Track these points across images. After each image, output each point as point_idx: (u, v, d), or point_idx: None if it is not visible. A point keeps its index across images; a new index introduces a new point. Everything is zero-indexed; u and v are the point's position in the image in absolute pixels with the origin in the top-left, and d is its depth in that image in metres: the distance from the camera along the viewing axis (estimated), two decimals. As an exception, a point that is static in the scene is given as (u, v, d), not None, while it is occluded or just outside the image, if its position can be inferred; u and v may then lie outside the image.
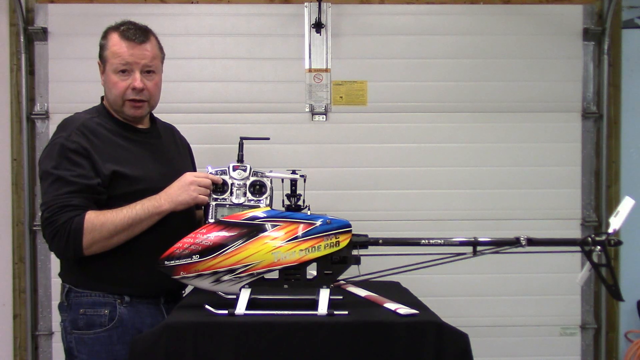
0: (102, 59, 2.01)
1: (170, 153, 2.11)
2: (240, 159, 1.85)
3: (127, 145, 1.97)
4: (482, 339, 3.09)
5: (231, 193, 1.82)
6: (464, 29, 3.26)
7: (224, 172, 1.80)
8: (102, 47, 2.00)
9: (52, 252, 2.01)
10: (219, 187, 1.82)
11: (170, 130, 2.23)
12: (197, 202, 1.83)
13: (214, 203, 1.82)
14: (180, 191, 1.83)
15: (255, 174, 1.80)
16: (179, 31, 3.16)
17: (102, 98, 2.07)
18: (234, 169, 1.78)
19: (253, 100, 3.21)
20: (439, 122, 3.25)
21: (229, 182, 1.80)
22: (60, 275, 2.02)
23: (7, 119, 3.21)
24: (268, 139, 1.76)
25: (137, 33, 1.97)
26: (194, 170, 2.21)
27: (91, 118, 1.97)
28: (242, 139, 1.86)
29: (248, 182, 1.83)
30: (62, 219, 1.79)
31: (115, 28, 1.99)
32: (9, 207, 3.22)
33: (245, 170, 1.78)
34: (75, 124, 1.92)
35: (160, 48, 2.06)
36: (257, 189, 1.83)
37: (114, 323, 1.90)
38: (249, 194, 1.82)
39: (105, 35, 2.00)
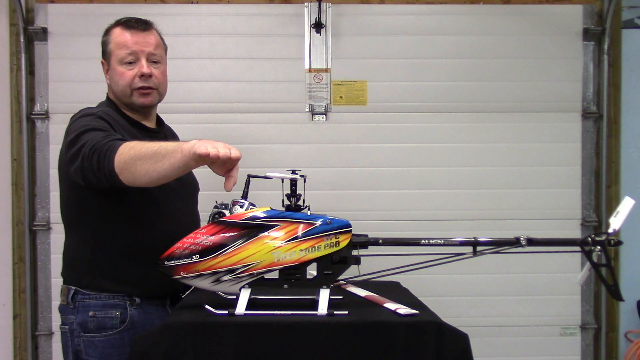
0: (106, 55, 1.99)
1: None
2: (244, 196, 1.82)
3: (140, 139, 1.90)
4: (482, 339, 3.09)
5: None
6: (464, 29, 3.26)
7: (226, 207, 1.78)
8: (105, 44, 1.99)
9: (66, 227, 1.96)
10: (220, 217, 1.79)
11: (173, 137, 2.19)
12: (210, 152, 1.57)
13: None
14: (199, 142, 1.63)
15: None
16: (179, 31, 3.16)
17: (107, 95, 2.04)
18: (233, 204, 1.77)
19: (253, 100, 3.21)
20: (439, 122, 3.25)
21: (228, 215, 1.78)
22: (63, 276, 1.98)
23: (7, 119, 3.21)
24: (271, 178, 1.75)
25: (139, 22, 1.97)
26: (195, 179, 2.19)
27: (106, 111, 1.92)
28: (249, 176, 1.83)
29: None
30: (104, 141, 1.69)
31: (116, 23, 1.99)
32: (9, 207, 3.22)
33: (242, 207, 1.76)
34: (96, 110, 1.88)
35: (163, 40, 2.05)
36: None
37: (126, 325, 1.88)
38: None
39: (107, 32, 2.00)
